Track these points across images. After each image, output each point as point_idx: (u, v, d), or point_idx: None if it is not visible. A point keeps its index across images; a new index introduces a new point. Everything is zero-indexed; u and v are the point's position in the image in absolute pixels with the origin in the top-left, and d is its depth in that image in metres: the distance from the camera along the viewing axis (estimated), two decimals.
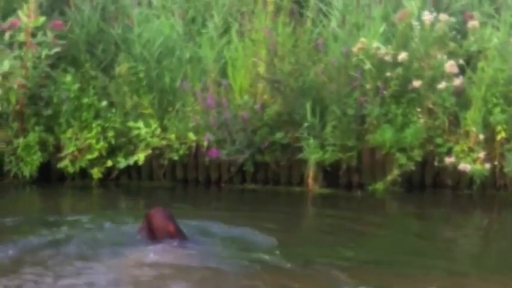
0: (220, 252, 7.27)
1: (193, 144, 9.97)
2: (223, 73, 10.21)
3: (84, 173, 10.07)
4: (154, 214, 7.28)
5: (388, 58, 9.69)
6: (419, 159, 9.53)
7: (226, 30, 10.56)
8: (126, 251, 7.15)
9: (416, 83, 9.61)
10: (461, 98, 9.66)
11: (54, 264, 6.90)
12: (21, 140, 10.02)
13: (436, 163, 9.59)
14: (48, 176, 10.17)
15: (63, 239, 7.58)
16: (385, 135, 9.52)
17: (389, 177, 9.57)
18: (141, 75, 10.17)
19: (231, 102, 9.93)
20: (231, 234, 7.79)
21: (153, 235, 7.23)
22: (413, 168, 9.53)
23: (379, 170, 9.71)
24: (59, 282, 6.53)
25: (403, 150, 9.53)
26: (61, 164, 10.02)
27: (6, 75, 10.03)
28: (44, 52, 10.14)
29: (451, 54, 9.73)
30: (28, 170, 9.99)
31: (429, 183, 9.74)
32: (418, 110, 9.67)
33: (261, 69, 10.04)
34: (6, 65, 10.00)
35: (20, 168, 10.03)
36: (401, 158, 9.50)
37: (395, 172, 9.54)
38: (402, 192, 9.57)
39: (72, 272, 6.74)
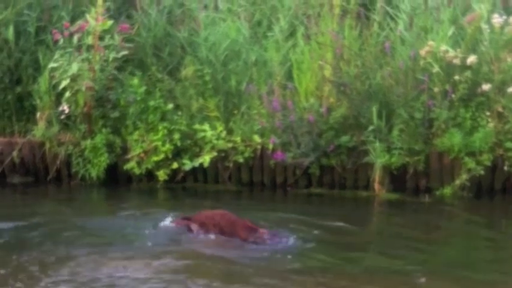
0: (285, 254, 7.30)
1: (259, 147, 9.97)
2: (289, 76, 10.21)
3: (150, 175, 10.13)
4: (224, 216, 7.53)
5: (456, 61, 9.57)
6: (488, 163, 9.39)
7: (292, 33, 10.55)
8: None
9: (486, 87, 9.48)
10: None
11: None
12: (88, 142, 10.14)
13: (505, 168, 9.43)
14: (115, 178, 10.27)
15: (130, 239, 7.70)
16: (454, 139, 9.39)
17: (457, 182, 9.44)
18: (207, 78, 10.22)
19: (296, 105, 9.91)
20: (295, 237, 7.82)
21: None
22: (482, 172, 9.39)
23: (447, 175, 9.58)
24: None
25: (471, 154, 9.40)
26: (127, 166, 10.11)
27: (74, 78, 10.18)
28: (112, 55, 10.26)
29: None
30: (95, 172, 10.10)
31: (499, 188, 9.58)
32: (487, 113, 9.54)
33: (327, 72, 10.00)
34: (74, 67, 10.15)
35: (87, 170, 10.15)
36: (470, 163, 9.36)
37: (464, 177, 9.41)
38: (471, 197, 9.43)
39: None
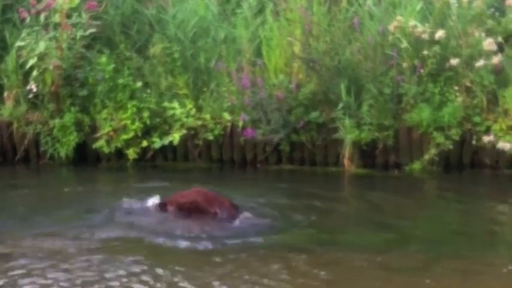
0: (249, 230, 7.35)
1: (229, 124, 9.95)
2: (258, 53, 10.18)
3: (119, 154, 10.08)
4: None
5: (425, 36, 9.58)
6: (457, 138, 9.42)
7: (261, 10, 10.51)
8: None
9: (454, 61, 9.49)
10: (500, 76, 9.52)
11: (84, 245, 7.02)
12: (57, 121, 10.06)
13: (474, 142, 9.47)
14: (84, 157, 10.20)
15: (100, 221, 7.66)
16: (422, 114, 9.42)
17: (426, 157, 9.47)
18: (176, 55, 10.15)
19: (266, 82, 9.89)
20: (263, 213, 7.85)
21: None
22: (451, 147, 9.42)
23: (416, 150, 9.61)
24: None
25: (440, 129, 9.42)
26: (97, 145, 10.04)
27: (41, 57, 10.08)
28: (79, 33, 10.18)
29: (489, 32, 9.59)
30: (64, 151, 10.03)
31: (467, 162, 9.62)
32: (456, 88, 9.56)
33: (296, 48, 9.98)
34: (41, 46, 10.05)
35: (56, 149, 10.08)
36: (439, 137, 9.39)
37: (433, 151, 9.44)
38: (440, 172, 9.46)
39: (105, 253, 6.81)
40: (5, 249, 6.99)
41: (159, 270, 6.42)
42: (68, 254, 6.81)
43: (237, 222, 7.54)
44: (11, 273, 6.40)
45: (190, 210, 7.67)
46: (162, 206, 7.75)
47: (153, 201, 7.86)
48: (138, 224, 7.51)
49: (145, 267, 6.49)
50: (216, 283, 6.20)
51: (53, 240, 7.18)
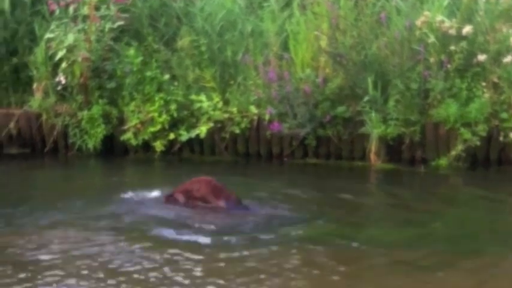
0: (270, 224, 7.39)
1: (255, 118, 9.99)
2: (285, 47, 10.20)
3: (147, 146, 10.16)
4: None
5: (452, 32, 9.56)
6: (484, 134, 9.40)
7: (288, 3, 10.53)
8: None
9: (481, 57, 9.47)
10: None
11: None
12: (85, 113, 10.16)
13: (501, 138, 9.45)
14: (112, 149, 10.29)
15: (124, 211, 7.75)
16: (449, 109, 9.41)
17: (453, 153, 9.46)
18: (203, 48, 10.20)
19: (292, 76, 9.91)
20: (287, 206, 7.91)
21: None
22: (477, 143, 9.40)
23: (442, 145, 9.61)
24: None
25: (467, 125, 9.41)
26: (124, 137, 10.13)
27: (70, 49, 10.18)
28: (108, 25, 10.25)
29: None
30: (92, 143, 10.13)
31: (494, 159, 9.60)
32: (483, 84, 9.53)
33: (323, 42, 9.99)
34: (70, 38, 10.14)
35: (84, 140, 10.18)
36: (466, 133, 9.38)
37: (460, 147, 9.43)
38: (466, 168, 9.45)
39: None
40: (28, 238, 7.07)
41: (182, 264, 6.50)
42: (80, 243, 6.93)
43: (255, 215, 7.61)
44: (34, 263, 6.51)
45: (196, 201, 7.76)
46: (170, 197, 7.84)
47: (160, 192, 7.96)
48: (156, 216, 7.59)
49: (167, 261, 6.56)
50: (235, 276, 6.22)
51: (70, 230, 7.26)
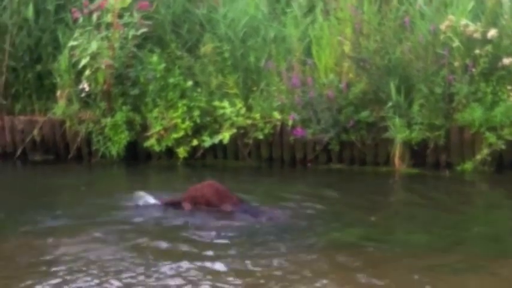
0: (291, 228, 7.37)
1: (278, 124, 9.96)
2: (308, 52, 10.17)
3: (170, 152, 10.16)
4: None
5: (477, 35, 9.50)
6: (509, 138, 9.31)
7: (311, 9, 10.51)
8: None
9: (507, 61, 9.40)
10: None
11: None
12: (108, 120, 10.18)
13: None
14: (135, 155, 10.30)
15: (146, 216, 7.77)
16: (474, 113, 9.33)
17: (478, 157, 9.38)
18: (226, 55, 10.20)
19: (316, 81, 9.88)
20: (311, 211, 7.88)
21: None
22: (503, 147, 9.31)
23: (467, 149, 9.53)
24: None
25: (492, 129, 9.33)
26: (147, 143, 10.13)
27: (94, 56, 10.20)
28: (131, 33, 10.28)
29: None
30: (115, 149, 10.14)
31: None
32: (509, 88, 9.44)
33: (346, 47, 9.96)
34: (94, 45, 10.17)
35: (107, 147, 10.20)
36: (491, 137, 9.29)
37: (485, 151, 9.34)
38: (492, 172, 9.37)
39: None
40: (46, 241, 7.15)
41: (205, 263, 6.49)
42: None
43: (278, 219, 7.60)
44: (48, 263, 6.61)
45: (201, 205, 7.81)
46: (176, 202, 7.90)
47: (168, 197, 8.04)
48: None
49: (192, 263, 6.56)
50: (264, 278, 6.21)
51: (87, 234, 7.33)
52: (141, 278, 6.26)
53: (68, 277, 6.28)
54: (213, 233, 7.29)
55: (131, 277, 6.27)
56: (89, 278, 6.26)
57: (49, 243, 7.07)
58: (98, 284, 6.14)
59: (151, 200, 8.05)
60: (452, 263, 6.55)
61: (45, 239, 7.17)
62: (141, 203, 8.03)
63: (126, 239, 7.17)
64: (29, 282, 6.16)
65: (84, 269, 6.44)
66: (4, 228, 7.54)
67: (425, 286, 6.06)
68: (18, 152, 10.53)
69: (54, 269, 6.44)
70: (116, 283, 6.14)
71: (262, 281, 6.19)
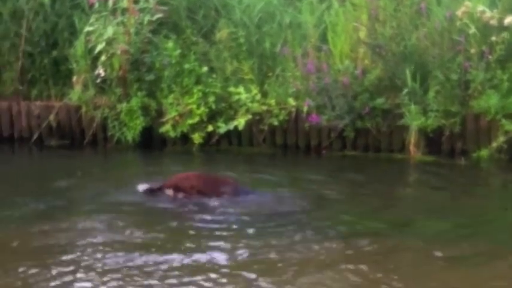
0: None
1: (293, 110, 9.95)
2: (324, 38, 10.14)
3: (185, 138, 10.17)
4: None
5: (493, 22, 9.43)
6: None
7: None
8: None
9: None
10: None
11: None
12: (124, 105, 10.20)
13: None
14: (150, 141, 10.32)
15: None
16: (490, 101, 9.28)
17: (494, 144, 9.33)
18: (241, 40, 10.19)
19: (331, 68, 9.85)
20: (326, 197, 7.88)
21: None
22: None
23: (483, 137, 9.48)
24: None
25: (509, 116, 9.27)
26: (163, 129, 10.15)
27: (110, 42, 10.21)
28: (146, 18, 10.28)
29: None
30: (131, 135, 10.16)
31: None
32: None
33: (362, 34, 9.92)
34: (109, 31, 10.18)
35: (123, 133, 10.22)
36: (507, 125, 9.24)
37: (501, 139, 9.30)
38: (508, 159, 9.30)
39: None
40: (59, 225, 7.22)
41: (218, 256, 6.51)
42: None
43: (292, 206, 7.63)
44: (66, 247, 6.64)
45: (190, 194, 7.80)
46: (158, 190, 7.88)
47: (148, 185, 7.95)
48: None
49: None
50: (279, 264, 6.22)
51: (99, 219, 7.36)
52: (144, 268, 6.25)
53: (77, 258, 6.36)
54: (224, 219, 7.31)
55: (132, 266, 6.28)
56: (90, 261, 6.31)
57: (62, 228, 7.11)
58: (92, 275, 6.12)
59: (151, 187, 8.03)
60: (469, 253, 6.53)
61: (58, 223, 7.22)
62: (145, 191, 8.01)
63: (135, 224, 7.20)
64: (44, 262, 6.24)
65: (82, 254, 6.50)
66: (15, 212, 7.58)
67: (438, 276, 6.04)
68: (34, 137, 10.57)
69: (64, 253, 6.51)
70: (116, 275, 6.13)
71: (279, 265, 6.20)
